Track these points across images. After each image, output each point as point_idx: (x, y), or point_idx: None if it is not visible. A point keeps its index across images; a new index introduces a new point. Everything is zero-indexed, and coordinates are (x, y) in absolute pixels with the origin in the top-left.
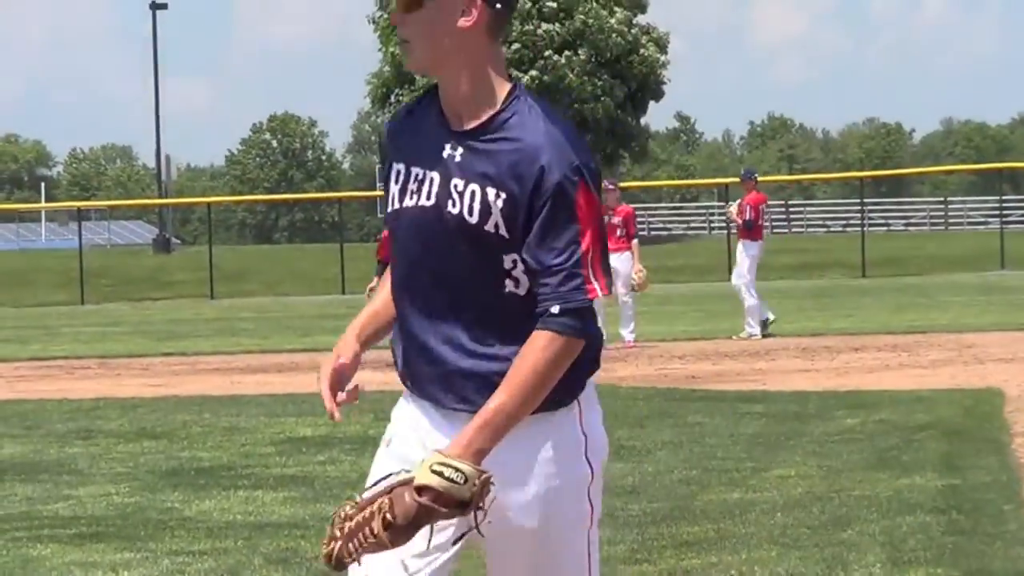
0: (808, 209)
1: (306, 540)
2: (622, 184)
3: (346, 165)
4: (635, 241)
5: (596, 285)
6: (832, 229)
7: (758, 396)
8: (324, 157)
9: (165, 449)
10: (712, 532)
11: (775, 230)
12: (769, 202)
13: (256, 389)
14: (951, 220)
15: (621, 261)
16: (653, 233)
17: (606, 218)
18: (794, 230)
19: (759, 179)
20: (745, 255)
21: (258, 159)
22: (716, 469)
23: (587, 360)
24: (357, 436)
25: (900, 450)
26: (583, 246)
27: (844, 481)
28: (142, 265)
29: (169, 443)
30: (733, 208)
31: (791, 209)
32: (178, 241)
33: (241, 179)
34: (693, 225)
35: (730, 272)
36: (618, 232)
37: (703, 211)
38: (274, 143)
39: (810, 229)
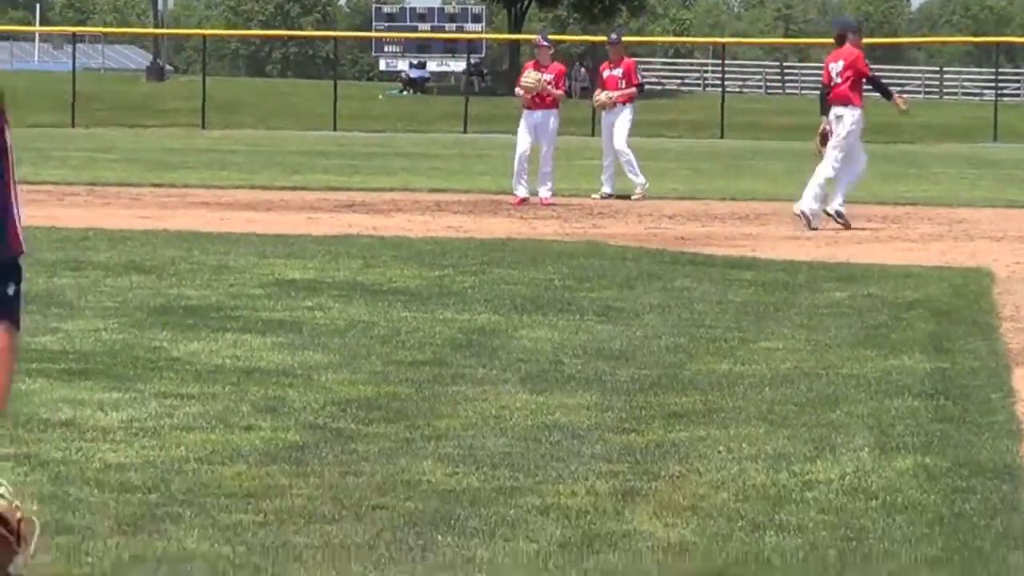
0: (803, 71)
1: (293, 389)
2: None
3: (342, 1)
4: (560, 92)
5: (22, 238)
6: None
7: (747, 263)
8: None
9: (154, 285)
10: (700, 404)
11: (769, 91)
12: (765, 62)
13: (245, 227)
14: (946, 90)
15: (547, 116)
16: (647, 88)
17: (538, 73)
18: (788, 91)
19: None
20: (630, 112)
21: None
22: (704, 338)
23: None
24: (346, 281)
25: (889, 328)
26: (7, 179)
27: (832, 357)
28: (135, 92)
29: (158, 279)
30: (603, 95)
31: (786, 70)
32: (172, 69)
33: (236, 10)
34: (687, 81)
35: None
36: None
37: (698, 67)
38: None
39: (804, 91)
